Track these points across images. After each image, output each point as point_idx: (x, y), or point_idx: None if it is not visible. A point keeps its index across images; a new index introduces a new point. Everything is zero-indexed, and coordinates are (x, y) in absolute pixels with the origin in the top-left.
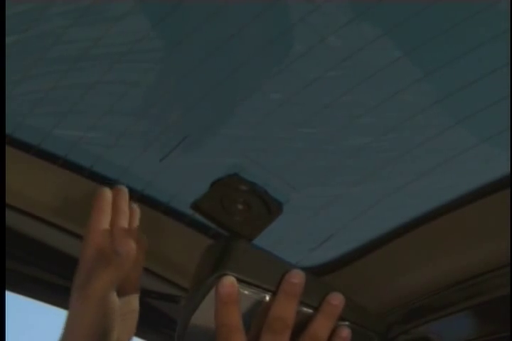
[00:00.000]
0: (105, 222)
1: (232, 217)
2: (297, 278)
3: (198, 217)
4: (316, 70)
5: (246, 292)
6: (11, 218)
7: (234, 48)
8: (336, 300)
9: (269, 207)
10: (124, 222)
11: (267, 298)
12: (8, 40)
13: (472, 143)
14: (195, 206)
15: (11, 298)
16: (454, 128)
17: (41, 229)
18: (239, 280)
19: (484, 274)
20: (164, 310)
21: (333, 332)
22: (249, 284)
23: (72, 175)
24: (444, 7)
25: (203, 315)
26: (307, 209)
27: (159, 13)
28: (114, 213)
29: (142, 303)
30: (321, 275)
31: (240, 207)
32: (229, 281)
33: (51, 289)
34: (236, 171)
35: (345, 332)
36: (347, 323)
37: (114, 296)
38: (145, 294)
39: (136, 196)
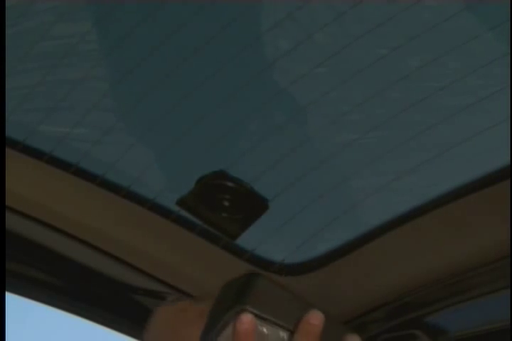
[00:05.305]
0: None
1: (218, 214)
2: (316, 319)
3: (184, 213)
4: (303, 67)
5: (264, 329)
6: None
7: (219, 45)
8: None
9: (255, 204)
10: None
11: (285, 337)
12: None
13: (462, 138)
14: (181, 202)
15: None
16: (441, 125)
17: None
18: (257, 317)
19: (470, 271)
20: (150, 306)
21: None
22: (267, 321)
23: (58, 171)
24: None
25: None
26: (292, 207)
27: (143, 10)
28: None
29: (127, 299)
30: (305, 273)
31: (226, 203)
32: (247, 318)
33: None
34: (222, 168)
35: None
36: None
37: None
38: (130, 291)
39: (122, 192)
